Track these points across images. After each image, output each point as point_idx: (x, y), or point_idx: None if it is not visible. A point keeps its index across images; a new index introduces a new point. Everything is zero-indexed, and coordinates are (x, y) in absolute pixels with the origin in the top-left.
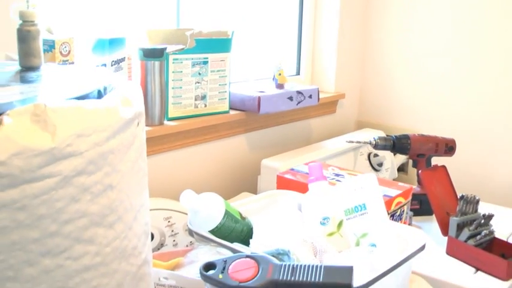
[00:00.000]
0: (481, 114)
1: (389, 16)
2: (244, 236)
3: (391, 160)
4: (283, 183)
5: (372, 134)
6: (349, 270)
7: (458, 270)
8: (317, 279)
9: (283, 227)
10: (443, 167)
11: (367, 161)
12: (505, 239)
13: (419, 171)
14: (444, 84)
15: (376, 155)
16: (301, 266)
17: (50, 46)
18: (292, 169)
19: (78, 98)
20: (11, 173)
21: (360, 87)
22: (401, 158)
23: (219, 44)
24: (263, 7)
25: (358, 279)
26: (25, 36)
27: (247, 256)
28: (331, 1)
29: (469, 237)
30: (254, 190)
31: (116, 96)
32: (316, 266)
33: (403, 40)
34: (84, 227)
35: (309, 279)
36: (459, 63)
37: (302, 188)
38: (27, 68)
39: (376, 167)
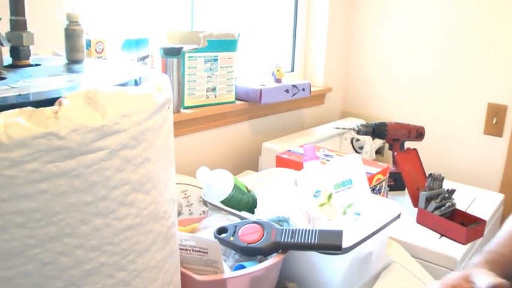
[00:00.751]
0: (447, 107)
1: (369, 23)
2: (250, 206)
3: (370, 144)
4: (282, 162)
5: (354, 122)
6: (339, 234)
7: (426, 235)
8: (312, 241)
9: (282, 199)
10: (415, 150)
11: (350, 145)
12: (464, 210)
13: (395, 153)
14: (415, 80)
15: (357, 140)
16: (299, 230)
17: (87, 45)
18: (289, 150)
19: (119, 86)
20: (69, 146)
21: (344, 83)
22: (378, 143)
23: (227, 44)
24: (265, 14)
25: (346, 242)
26: (71, 34)
27: (254, 222)
28: (321, 9)
29: (435, 209)
30: (256, 168)
31: (151, 84)
32: (312, 230)
33: (381, 43)
34: (127, 192)
35: (305, 241)
36: (429, 62)
37: (297, 166)
38: (72, 61)
39: (357, 150)
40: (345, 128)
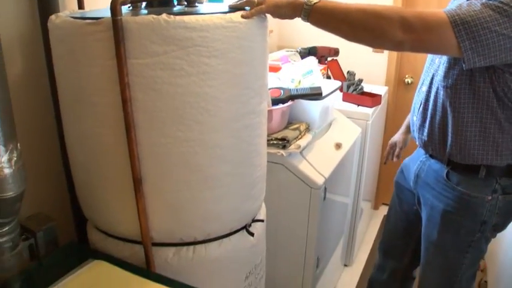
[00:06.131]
0: None
1: None
2: None
3: None
4: None
5: (290, 49)
6: (320, 87)
7: (350, 106)
8: (308, 92)
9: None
10: (336, 60)
11: None
12: (368, 91)
13: (327, 62)
14: None
15: (294, 61)
16: (299, 88)
17: None
18: None
19: None
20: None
21: (278, 26)
22: None
23: None
24: None
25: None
26: None
27: (275, 87)
28: None
29: (353, 91)
30: None
31: None
32: (306, 87)
33: None
34: None
35: (304, 93)
36: None
37: (275, 69)
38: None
39: None
40: (292, 50)
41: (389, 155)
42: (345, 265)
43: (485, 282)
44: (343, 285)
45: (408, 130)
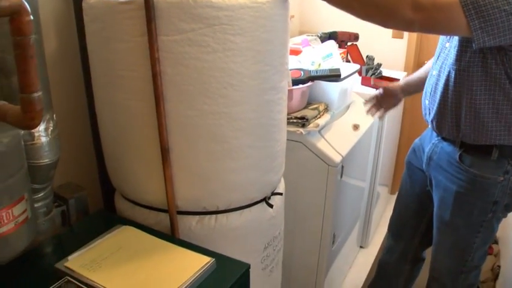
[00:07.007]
0: None
1: None
2: None
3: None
4: None
5: (312, 34)
6: (339, 69)
7: (368, 90)
8: (327, 73)
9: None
10: (356, 45)
11: None
12: (387, 75)
13: (346, 47)
14: None
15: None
16: (319, 69)
17: None
18: None
19: None
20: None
21: (299, 12)
22: None
23: None
24: None
25: (342, 74)
26: None
27: (296, 69)
28: None
29: (372, 75)
30: None
31: None
32: (325, 69)
33: None
34: None
35: (323, 74)
36: None
37: (296, 53)
38: None
39: None
40: (313, 35)
41: (374, 105)
42: (361, 247)
43: (499, 266)
44: (358, 265)
45: (406, 88)
